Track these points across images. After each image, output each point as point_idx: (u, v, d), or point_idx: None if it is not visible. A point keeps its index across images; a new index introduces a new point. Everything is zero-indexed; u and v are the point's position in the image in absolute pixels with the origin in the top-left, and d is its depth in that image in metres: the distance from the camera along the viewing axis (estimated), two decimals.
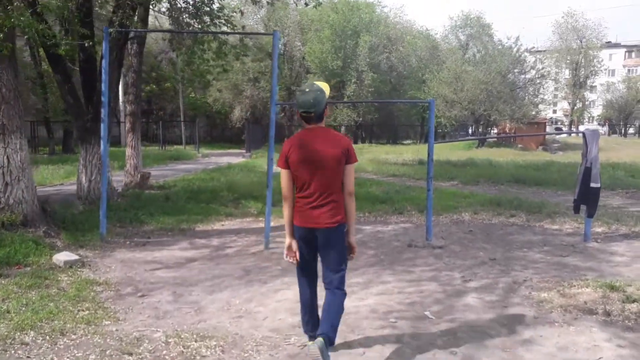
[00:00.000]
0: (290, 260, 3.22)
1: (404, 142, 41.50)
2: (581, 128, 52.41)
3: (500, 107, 28.37)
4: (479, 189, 12.27)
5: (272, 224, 7.68)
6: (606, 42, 47.33)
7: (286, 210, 3.24)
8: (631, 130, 51.50)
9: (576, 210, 6.47)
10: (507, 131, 34.41)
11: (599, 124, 60.33)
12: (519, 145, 31.41)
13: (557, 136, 44.42)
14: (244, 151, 27.71)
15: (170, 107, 40.40)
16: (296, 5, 9.45)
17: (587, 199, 6.27)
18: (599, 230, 7.19)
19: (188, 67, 9.71)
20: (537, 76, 29.59)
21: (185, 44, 8.78)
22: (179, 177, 13.53)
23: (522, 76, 29.84)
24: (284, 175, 3.15)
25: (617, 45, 69.80)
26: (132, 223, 7.45)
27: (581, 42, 43.84)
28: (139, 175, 10.59)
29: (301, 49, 37.60)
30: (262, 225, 7.30)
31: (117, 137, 34.83)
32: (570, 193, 11.85)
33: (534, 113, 29.71)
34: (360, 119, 36.52)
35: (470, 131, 50.61)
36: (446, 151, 28.31)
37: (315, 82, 3.13)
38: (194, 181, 12.30)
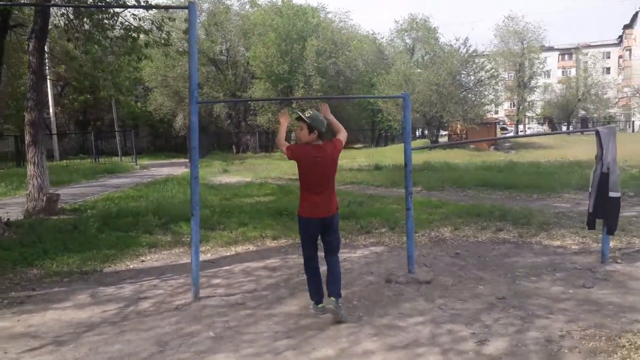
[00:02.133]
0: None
1: (355, 145, 40.51)
2: (526, 128, 53.46)
3: (452, 109, 27.75)
4: (447, 196, 11.04)
5: (206, 256, 6.02)
6: (540, 46, 48.47)
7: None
8: (564, 128, 52.77)
9: (591, 225, 5.17)
10: (459, 132, 34.05)
11: (538, 123, 62.01)
12: (471, 146, 31.03)
13: (510, 135, 44.87)
14: (187, 161, 25.57)
15: (109, 117, 37.56)
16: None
17: (605, 212, 4.98)
18: (610, 244, 5.95)
19: (87, 59, 7.80)
20: (487, 77, 29.22)
21: (82, 31, 6.93)
22: (103, 196, 11.48)
23: (472, 77, 29.40)
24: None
25: (551, 49, 72.81)
26: (15, 267, 5.54)
27: (522, 44, 44.46)
28: (44, 198, 8.56)
29: (245, 54, 35.83)
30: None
31: (50, 152, 31.81)
32: (546, 196, 10.92)
33: (488, 114, 29.29)
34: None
35: (417, 133, 50.50)
36: (398, 155, 27.39)
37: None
38: (118, 200, 10.33)
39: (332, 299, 3.86)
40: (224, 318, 4.04)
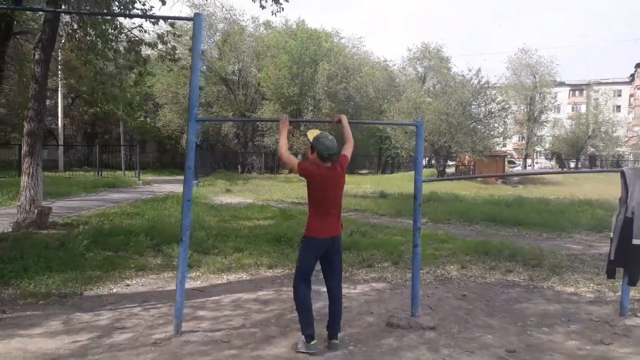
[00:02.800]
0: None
1: (361, 171, 40.23)
2: (534, 163, 53.06)
3: (461, 139, 27.46)
4: (454, 229, 10.64)
5: (195, 283, 5.65)
6: (552, 80, 48.42)
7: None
8: (572, 165, 52.27)
9: (611, 274, 4.76)
10: (466, 163, 33.69)
11: (546, 158, 61.60)
12: (478, 178, 30.64)
13: (518, 169, 44.57)
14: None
15: (117, 130, 37.67)
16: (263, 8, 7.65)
17: (628, 261, 4.59)
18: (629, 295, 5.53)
19: (88, 69, 7.53)
20: (498, 109, 28.98)
21: (85, 41, 6.71)
22: (99, 211, 11.17)
23: (483, 108, 29.18)
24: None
25: (562, 84, 72.96)
26: None
27: (535, 77, 44.40)
28: (35, 211, 8.26)
29: (257, 75, 35.96)
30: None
31: (55, 162, 31.73)
32: (556, 235, 10.49)
33: (498, 147, 28.98)
34: None
35: (424, 162, 50.14)
36: (405, 183, 27.02)
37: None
38: (113, 217, 10.01)
39: (335, 341, 3.88)
40: (205, 358, 3.66)
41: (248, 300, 5.16)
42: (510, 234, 10.38)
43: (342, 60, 36.01)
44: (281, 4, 9.23)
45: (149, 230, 7.91)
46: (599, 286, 5.90)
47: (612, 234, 4.72)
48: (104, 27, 6.37)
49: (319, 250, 3.83)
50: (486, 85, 28.83)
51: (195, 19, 4.11)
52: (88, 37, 6.55)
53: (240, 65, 37.38)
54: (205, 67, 30.02)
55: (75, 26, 6.63)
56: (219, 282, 5.87)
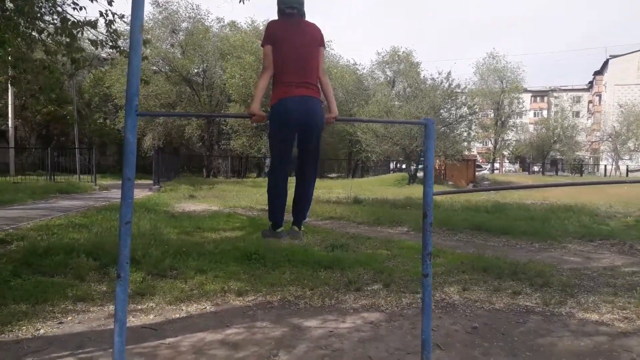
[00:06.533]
0: None
1: (329, 175, 39.42)
2: (501, 166, 53.57)
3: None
4: (439, 240, 9.80)
5: (147, 317, 4.54)
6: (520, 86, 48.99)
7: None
8: (535, 168, 53.08)
9: None
10: (437, 167, 33.31)
11: (510, 162, 62.56)
12: (450, 182, 30.30)
13: (485, 173, 44.69)
14: (151, 183, 23.88)
15: (74, 133, 35.67)
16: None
17: None
18: None
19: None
20: (469, 112, 28.68)
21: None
22: (43, 222, 9.79)
23: (454, 112, 28.82)
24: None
25: (524, 90, 74.77)
26: None
27: (502, 82, 44.75)
28: None
29: (222, 76, 34.65)
30: (130, 324, 4.16)
31: (6, 166, 29.47)
32: (548, 245, 9.77)
33: (468, 151, 28.68)
34: None
35: (391, 166, 49.82)
36: (377, 187, 26.29)
37: None
38: (58, 229, 8.70)
39: (296, 228, 3.41)
40: None
41: (213, 342, 4.10)
42: (499, 244, 9.64)
43: None
44: None
45: (95, 246, 6.69)
46: (624, 311, 5.11)
47: None
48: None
49: (289, 115, 3.09)
50: (457, 90, 28.48)
51: None
52: (9, 14, 5.34)
53: (204, 66, 36.01)
54: (149, 50, 28.11)
55: None
56: (177, 315, 4.78)
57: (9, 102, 29.79)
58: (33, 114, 34.55)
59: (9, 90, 28.79)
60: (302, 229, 3.42)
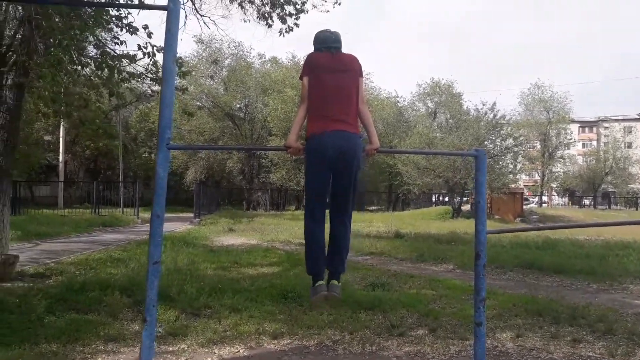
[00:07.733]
0: None
1: (370, 208, 38.91)
2: (550, 200, 51.51)
3: None
4: (488, 279, 9.18)
5: None
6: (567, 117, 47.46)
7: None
8: (586, 202, 50.80)
9: None
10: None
11: (558, 196, 60.04)
12: (496, 216, 29.20)
13: (532, 206, 43.01)
14: (192, 216, 24.15)
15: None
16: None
17: None
18: None
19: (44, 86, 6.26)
20: (515, 144, 27.82)
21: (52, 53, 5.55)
22: (82, 256, 9.88)
23: (499, 144, 28.01)
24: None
25: (572, 121, 72.43)
26: None
27: (548, 113, 43.48)
28: None
29: (263, 111, 35.27)
30: None
31: (55, 199, 30.69)
32: (607, 286, 9.00)
33: (514, 183, 27.70)
34: None
35: (433, 199, 48.73)
36: (418, 221, 25.61)
37: None
38: (97, 264, 8.73)
39: (334, 282, 3.14)
40: None
41: None
42: (553, 284, 8.97)
43: None
44: (288, 24, 8.21)
45: (130, 283, 6.60)
46: None
47: None
48: (72, 33, 5.21)
49: (323, 153, 2.94)
50: (502, 121, 27.76)
51: (170, 7, 2.95)
52: (52, 50, 5.44)
53: (246, 101, 36.80)
54: (192, 87, 28.67)
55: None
56: (208, 359, 4.52)
57: (61, 137, 31.15)
58: (82, 148, 36.03)
59: (61, 126, 30.15)
60: (341, 282, 3.18)
